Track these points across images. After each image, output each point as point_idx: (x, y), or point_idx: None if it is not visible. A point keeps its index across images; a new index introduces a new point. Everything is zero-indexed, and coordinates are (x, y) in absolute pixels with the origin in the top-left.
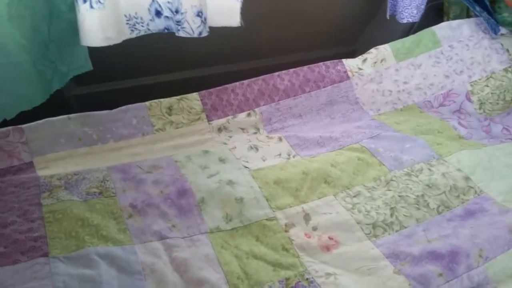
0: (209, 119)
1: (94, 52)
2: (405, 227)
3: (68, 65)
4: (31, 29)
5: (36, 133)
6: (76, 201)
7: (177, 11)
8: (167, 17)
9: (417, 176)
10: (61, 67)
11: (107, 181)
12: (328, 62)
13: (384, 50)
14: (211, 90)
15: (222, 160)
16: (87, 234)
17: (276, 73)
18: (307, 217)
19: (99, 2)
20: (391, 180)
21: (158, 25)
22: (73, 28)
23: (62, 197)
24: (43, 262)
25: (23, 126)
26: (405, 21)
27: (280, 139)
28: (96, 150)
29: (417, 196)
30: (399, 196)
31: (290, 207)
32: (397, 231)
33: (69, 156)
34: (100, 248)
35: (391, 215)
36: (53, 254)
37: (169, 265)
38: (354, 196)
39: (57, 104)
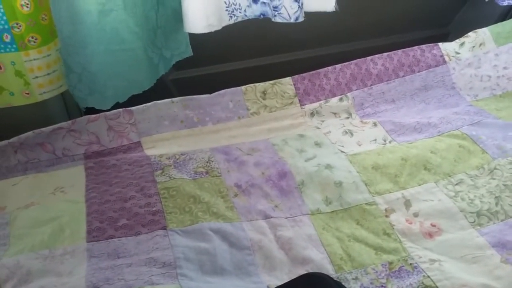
0: (302, 104)
1: (191, 38)
2: (511, 217)
3: (171, 51)
4: (143, 17)
5: (143, 115)
6: (186, 179)
7: None
8: (263, 2)
9: None
10: (165, 53)
11: (212, 161)
12: (423, 46)
13: (483, 34)
14: (304, 74)
15: (318, 144)
16: (200, 210)
17: (369, 57)
18: (407, 203)
19: None
20: (495, 168)
21: (254, 11)
22: (177, 15)
23: (173, 175)
24: (162, 234)
25: (133, 108)
26: (505, 3)
27: (374, 124)
28: (196, 132)
29: None
30: (504, 185)
31: (390, 192)
32: (502, 220)
33: (173, 137)
34: (212, 224)
35: (496, 204)
36: (170, 227)
37: (275, 243)
38: (457, 184)
39: (155, 88)
